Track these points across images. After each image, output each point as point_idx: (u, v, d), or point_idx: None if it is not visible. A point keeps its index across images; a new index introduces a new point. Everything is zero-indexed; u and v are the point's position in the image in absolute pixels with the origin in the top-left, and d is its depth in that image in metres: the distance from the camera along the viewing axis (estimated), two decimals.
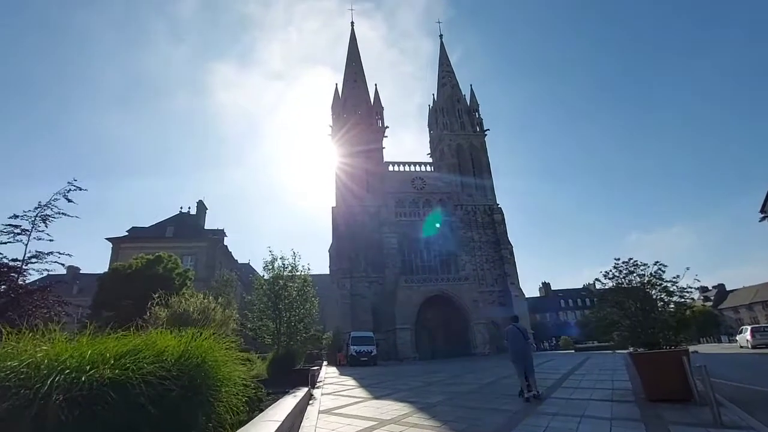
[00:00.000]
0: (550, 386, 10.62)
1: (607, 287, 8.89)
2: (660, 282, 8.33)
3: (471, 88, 57.32)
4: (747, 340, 27.96)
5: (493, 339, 42.12)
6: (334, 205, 45.17)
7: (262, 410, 5.88)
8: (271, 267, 15.51)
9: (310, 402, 9.70)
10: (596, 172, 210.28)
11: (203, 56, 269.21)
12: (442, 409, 7.86)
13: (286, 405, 5.77)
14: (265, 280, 15.13)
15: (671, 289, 8.24)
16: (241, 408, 5.72)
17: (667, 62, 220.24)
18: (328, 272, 48.47)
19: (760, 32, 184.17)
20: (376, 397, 10.16)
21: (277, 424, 4.09)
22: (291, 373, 12.12)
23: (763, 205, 30.44)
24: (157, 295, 15.16)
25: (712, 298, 78.81)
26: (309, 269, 15.98)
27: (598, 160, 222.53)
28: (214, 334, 5.24)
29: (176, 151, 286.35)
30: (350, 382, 15.16)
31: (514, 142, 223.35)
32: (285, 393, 8.80)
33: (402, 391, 11.48)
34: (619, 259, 8.89)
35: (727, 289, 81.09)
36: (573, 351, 39.46)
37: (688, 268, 7.96)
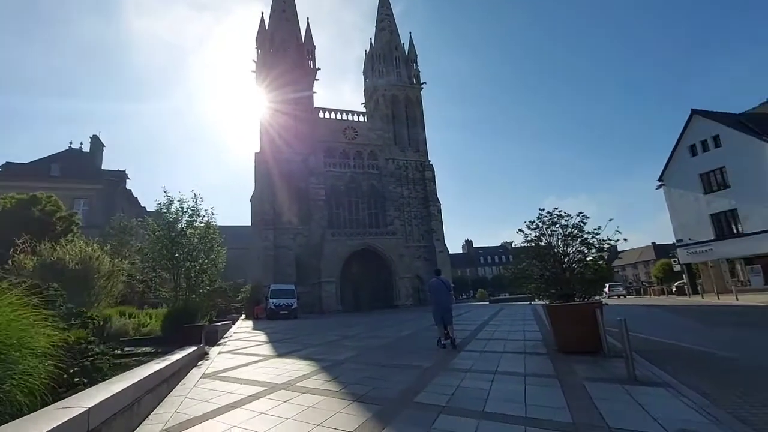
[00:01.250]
0: (466, 337, 10.38)
1: (528, 238, 8.44)
2: (581, 234, 8.01)
3: (410, 37, 55.03)
4: (605, 293, 36.48)
5: (417, 292, 43.40)
6: (258, 150, 41.69)
7: (105, 380, 4.47)
8: (166, 210, 13.33)
9: (199, 363, 8.39)
10: (522, 141, 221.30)
11: None
12: (348, 368, 7.00)
13: (131, 377, 4.39)
14: (158, 225, 12.97)
15: (590, 242, 7.97)
16: (76, 380, 4.30)
17: (596, 48, 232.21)
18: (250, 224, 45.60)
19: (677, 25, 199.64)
20: (280, 355, 9.12)
21: (78, 412, 2.74)
22: (189, 329, 10.61)
23: (661, 175, 33.54)
24: (21, 241, 12.31)
25: (606, 257, 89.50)
26: (213, 214, 14.03)
27: (526, 130, 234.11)
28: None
29: (78, 84, 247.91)
30: (260, 337, 14.01)
31: (448, 103, 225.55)
32: (166, 354, 7.38)
33: (312, 346, 10.58)
34: (543, 209, 8.43)
35: (619, 249, 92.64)
36: (488, 303, 42.03)
37: (611, 220, 7.67)
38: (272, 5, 49.79)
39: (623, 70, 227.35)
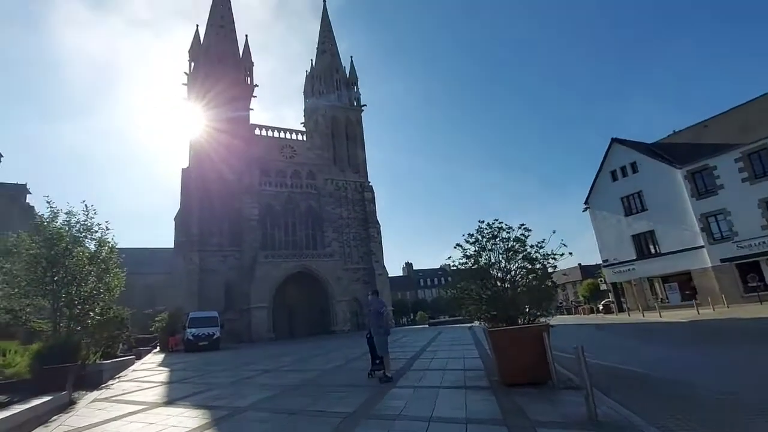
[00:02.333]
0: (401, 368, 9.19)
1: (468, 253, 7.53)
2: (523, 248, 7.24)
3: (351, 61, 55.00)
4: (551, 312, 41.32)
5: (355, 316, 41.67)
6: (187, 166, 38.37)
7: None
8: (46, 226, 10.96)
9: (52, 419, 6.32)
10: (463, 166, 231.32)
11: None
12: (247, 419, 5.45)
13: None
14: (34, 241, 10.55)
15: (534, 257, 7.20)
16: None
17: (531, 85, 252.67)
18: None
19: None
20: (170, 402, 7.24)
21: None
22: (51, 372, 8.42)
23: (587, 199, 35.51)
24: None
25: (547, 273, 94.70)
26: (108, 229, 11.84)
27: (466, 156, 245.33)
28: None
29: None
30: (160, 376, 11.74)
31: (389, 128, 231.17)
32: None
33: (218, 387, 8.74)
34: (483, 221, 7.59)
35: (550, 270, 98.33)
36: (427, 325, 41.32)
37: (554, 232, 6.97)
38: (208, 19, 47.44)
39: (558, 102, 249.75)
